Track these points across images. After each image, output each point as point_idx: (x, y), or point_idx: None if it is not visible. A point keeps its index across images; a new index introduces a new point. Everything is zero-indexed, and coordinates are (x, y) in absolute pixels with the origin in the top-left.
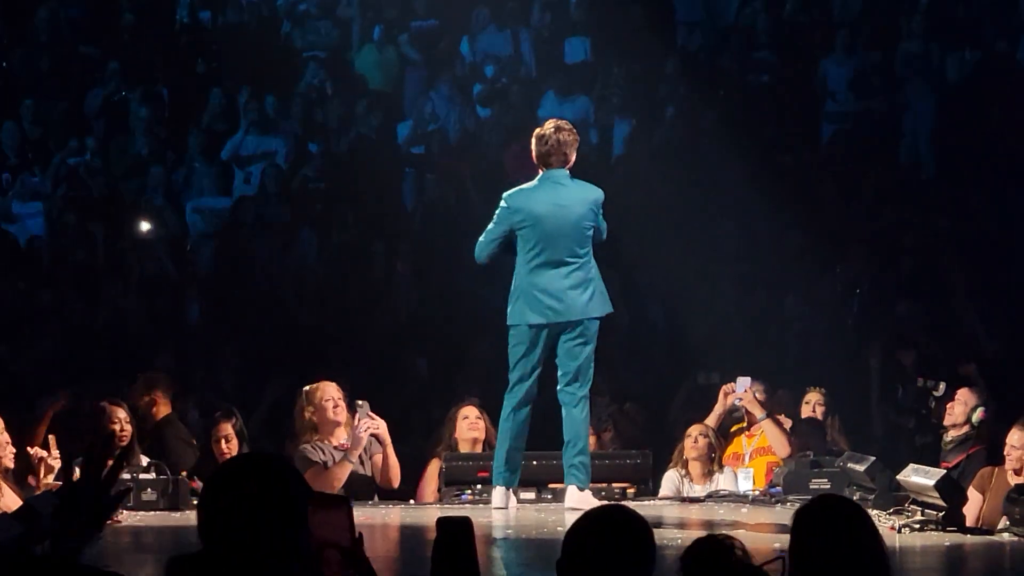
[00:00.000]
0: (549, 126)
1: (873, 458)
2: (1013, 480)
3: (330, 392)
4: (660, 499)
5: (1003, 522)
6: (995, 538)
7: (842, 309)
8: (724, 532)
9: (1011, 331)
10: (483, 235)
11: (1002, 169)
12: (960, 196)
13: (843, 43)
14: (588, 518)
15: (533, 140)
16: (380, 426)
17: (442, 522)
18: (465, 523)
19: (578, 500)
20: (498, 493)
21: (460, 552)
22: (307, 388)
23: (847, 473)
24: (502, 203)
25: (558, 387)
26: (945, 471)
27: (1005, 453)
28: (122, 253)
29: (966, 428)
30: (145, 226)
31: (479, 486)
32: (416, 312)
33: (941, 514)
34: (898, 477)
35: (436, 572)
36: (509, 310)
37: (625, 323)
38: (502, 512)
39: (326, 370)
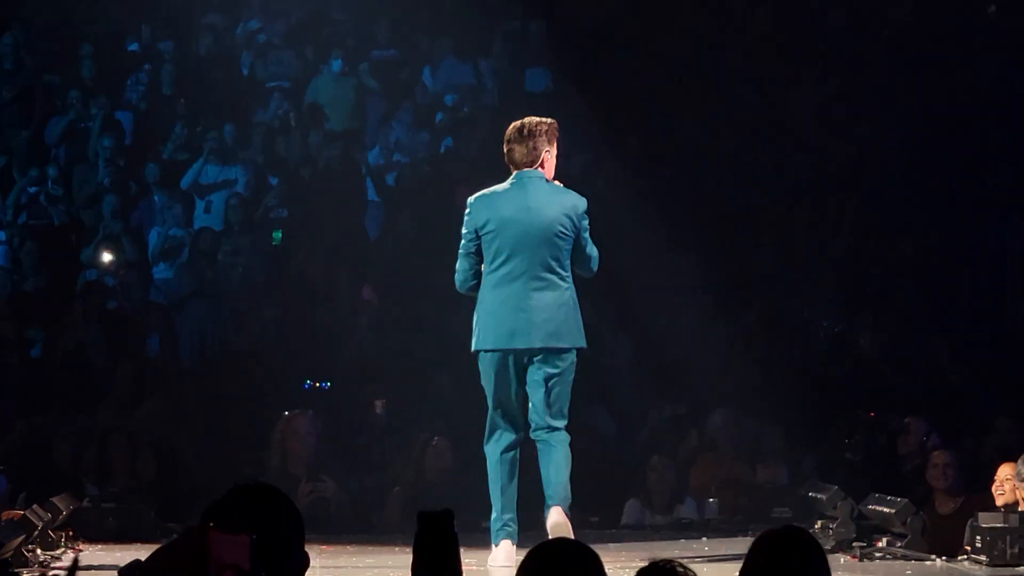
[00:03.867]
0: (527, 121)
1: (835, 487)
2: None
3: (297, 425)
4: (622, 527)
5: (964, 550)
6: (956, 565)
7: (807, 339)
8: (669, 559)
9: (974, 360)
10: (458, 258)
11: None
12: (922, 225)
13: (811, 74)
14: (538, 553)
15: (505, 138)
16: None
17: (423, 516)
18: (446, 515)
19: (560, 521)
20: (502, 550)
21: (443, 546)
22: (287, 413)
23: (809, 502)
24: (466, 208)
25: (531, 428)
26: (907, 499)
27: (994, 489)
28: (82, 283)
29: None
30: (106, 256)
31: None
32: (377, 343)
33: (904, 542)
34: (861, 506)
35: (418, 567)
36: (473, 335)
37: (588, 354)
38: (506, 572)
39: (285, 403)
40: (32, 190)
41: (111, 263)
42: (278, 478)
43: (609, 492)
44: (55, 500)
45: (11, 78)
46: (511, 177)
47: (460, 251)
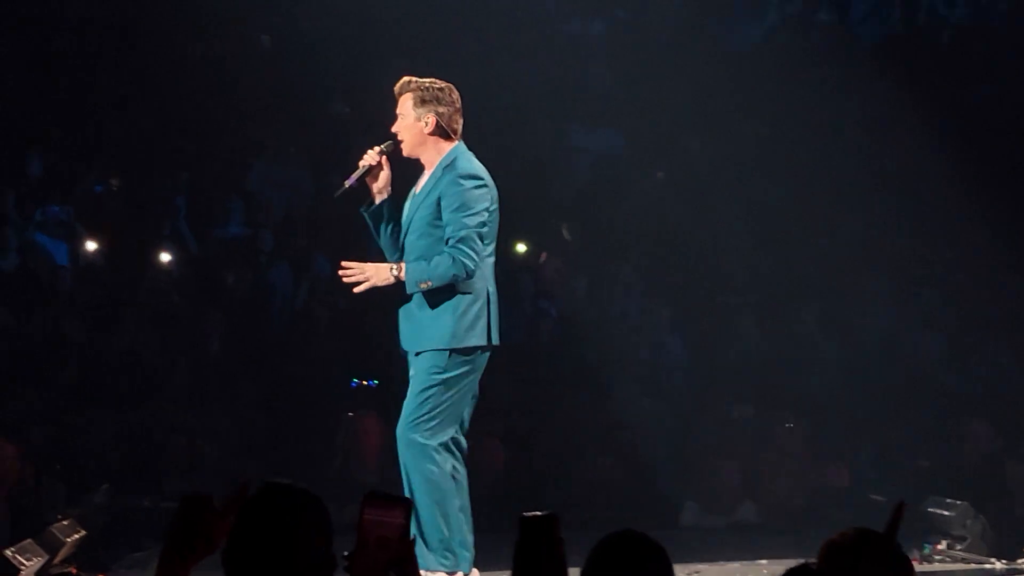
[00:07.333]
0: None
1: (964, 503)
2: None
3: (362, 426)
4: (681, 529)
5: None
6: (1016, 567)
7: (858, 339)
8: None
9: None
10: (472, 241)
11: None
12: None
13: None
14: (607, 543)
15: (457, 104)
16: None
17: (525, 521)
18: (550, 520)
19: None
20: None
21: (546, 552)
22: (351, 414)
23: (931, 519)
24: (476, 180)
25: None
26: (967, 502)
27: None
28: (142, 282)
29: None
30: (166, 256)
31: None
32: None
33: (964, 545)
34: (920, 508)
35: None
36: (457, 329)
37: (646, 354)
38: None
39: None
40: (96, 190)
41: (170, 263)
42: (341, 481)
43: (669, 492)
44: (54, 529)
45: (70, 78)
46: (460, 147)
47: (481, 229)
